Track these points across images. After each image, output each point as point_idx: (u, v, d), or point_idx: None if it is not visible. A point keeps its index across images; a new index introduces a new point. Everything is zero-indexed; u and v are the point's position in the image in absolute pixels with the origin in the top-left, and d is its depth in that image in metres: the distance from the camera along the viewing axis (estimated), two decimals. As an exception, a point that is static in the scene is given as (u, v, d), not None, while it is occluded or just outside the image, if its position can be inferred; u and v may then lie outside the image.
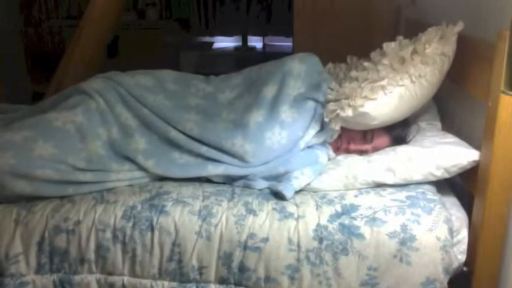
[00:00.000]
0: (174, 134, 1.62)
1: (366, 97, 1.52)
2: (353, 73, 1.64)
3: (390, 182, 1.51)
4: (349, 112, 1.54)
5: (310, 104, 1.66)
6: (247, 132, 1.59)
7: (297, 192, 1.53)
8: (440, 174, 1.48)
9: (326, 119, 1.61)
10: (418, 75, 1.52)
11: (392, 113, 1.56)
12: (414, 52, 1.55)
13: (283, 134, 1.60)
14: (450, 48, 1.55)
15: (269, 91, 1.69)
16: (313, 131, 1.66)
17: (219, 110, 1.72)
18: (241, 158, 1.59)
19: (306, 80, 1.71)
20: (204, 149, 1.59)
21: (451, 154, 1.47)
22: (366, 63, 1.64)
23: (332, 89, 1.65)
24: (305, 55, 1.80)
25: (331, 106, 1.59)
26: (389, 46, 1.63)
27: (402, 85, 1.52)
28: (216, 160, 1.59)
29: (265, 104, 1.66)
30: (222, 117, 1.67)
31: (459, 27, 1.55)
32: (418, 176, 1.49)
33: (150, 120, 1.63)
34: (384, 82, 1.52)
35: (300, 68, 1.73)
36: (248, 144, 1.58)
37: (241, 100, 1.75)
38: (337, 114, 1.56)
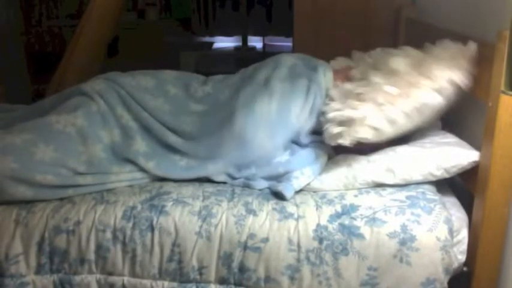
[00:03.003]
0: (173, 139, 1.62)
1: (369, 126, 1.46)
2: (358, 89, 1.55)
3: (390, 182, 1.51)
4: (347, 141, 1.48)
5: (304, 81, 1.63)
6: (238, 105, 1.60)
7: (297, 192, 1.53)
8: (440, 174, 1.48)
9: (326, 139, 1.56)
10: (423, 102, 1.46)
11: (393, 135, 1.53)
12: (421, 75, 1.49)
13: (274, 105, 1.57)
14: (460, 76, 1.47)
15: (262, 74, 1.71)
16: (306, 110, 1.61)
17: (219, 110, 1.72)
18: (238, 134, 1.56)
19: (300, 63, 1.74)
20: (201, 149, 1.59)
21: (451, 154, 1.47)
22: (374, 78, 1.55)
23: (332, 99, 1.60)
24: (300, 54, 1.84)
25: (331, 129, 1.52)
26: (399, 64, 1.55)
27: (406, 112, 1.47)
28: (215, 157, 1.58)
29: (258, 82, 1.68)
30: (222, 115, 1.68)
31: (472, 50, 1.48)
32: (417, 176, 1.49)
33: (149, 123, 1.63)
34: (389, 109, 1.46)
35: (295, 61, 1.76)
36: (239, 115, 1.57)
37: (238, 93, 1.75)
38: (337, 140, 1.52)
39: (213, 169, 1.58)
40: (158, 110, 1.67)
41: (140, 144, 1.61)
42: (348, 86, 1.62)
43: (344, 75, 1.73)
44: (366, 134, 1.47)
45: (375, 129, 1.47)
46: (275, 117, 1.57)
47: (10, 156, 1.45)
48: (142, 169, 1.59)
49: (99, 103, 1.64)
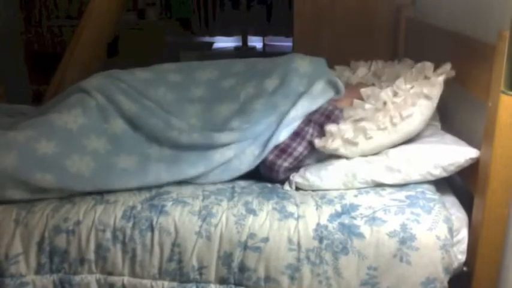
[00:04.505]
0: (178, 124, 1.66)
1: (347, 140, 1.53)
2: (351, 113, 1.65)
3: (389, 182, 1.51)
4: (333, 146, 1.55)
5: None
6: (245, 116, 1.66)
7: (297, 191, 1.54)
8: (438, 173, 1.49)
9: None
10: (400, 115, 1.52)
11: (369, 152, 1.58)
12: (395, 94, 1.57)
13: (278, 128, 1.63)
14: (434, 91, 1.55)
15: (270, 83, 1.74)
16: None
17: (223, 100, 1.75)
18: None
19: (311, 75, 1.75)
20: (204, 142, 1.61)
21: (448, 152, 1.47)
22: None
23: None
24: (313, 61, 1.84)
25: (317, 143, 1.58)
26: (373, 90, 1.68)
27: (384, 128, 1.53)
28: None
29: (265, 92, 1.71)
30: (223, 107, 1.72)
31: (445, 70, 1.57)
32: (416, 176, 1.49)
33: (154, 110, 1.67)
34: (367, 125, 1.53)
35: (307, 69, 1.76)
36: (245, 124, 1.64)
37: (243, 88, 1.77)
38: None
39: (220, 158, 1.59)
40: (161, 100, 1.70)
41: (148, 133, 1.64)
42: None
43: (352, 96, 1.76)
44: (345, 148, 1.54)
45: (353, 144, 1.53)
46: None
47: (13, 151, 1.46)
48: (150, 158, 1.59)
49: (98, 98, 1.66)
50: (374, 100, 1.61)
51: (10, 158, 1.45)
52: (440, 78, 1.56)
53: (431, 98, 1.55)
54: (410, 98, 1.54)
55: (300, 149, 1.59)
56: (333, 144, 1.54)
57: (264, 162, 1.59)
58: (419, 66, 1.65)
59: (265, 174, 1.62)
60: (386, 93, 1.58)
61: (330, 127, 1.58)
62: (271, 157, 1.58)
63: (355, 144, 1.53)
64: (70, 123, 1.58)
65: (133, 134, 1.64)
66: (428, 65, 1.62)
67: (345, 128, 1.56)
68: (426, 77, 1.59)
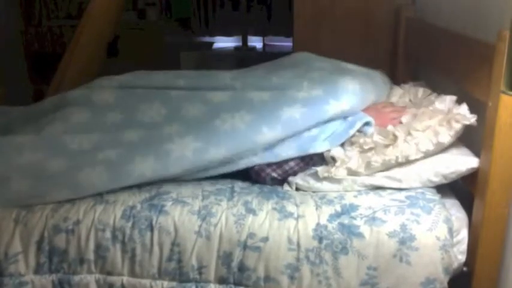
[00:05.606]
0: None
1: (349, 169, 1.50)
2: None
3: (389, 187, 1.51)
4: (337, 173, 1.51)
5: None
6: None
7: (297, 191, 1.54)
8: (438, 180, 1.48)
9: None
10: (406, 157, 1.46)
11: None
12: (408, 134, 1.50)
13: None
14: (449, 138, 1.46)
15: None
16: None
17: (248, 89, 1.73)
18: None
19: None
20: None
21: (449, 162, 1.46)
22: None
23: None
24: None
25: (320, 172, 1.54)
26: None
27: (389, 162, 1.47)
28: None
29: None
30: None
31: (468, 120, 1.47)
32: (416, 184, 1.49)
33: (168, 95, 1.70)
34: (373, 158, 1.48)
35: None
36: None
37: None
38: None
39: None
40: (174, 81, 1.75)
41: (170, 128, 1.61)
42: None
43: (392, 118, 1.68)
44: (345, 175, 1.50)
45: (357, 173, 1.50)
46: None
47: (27, 180, 1.47)
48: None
49: (107, 114, 1.65)
50: (385, 133, 1.55)
51: (24, 184, 1.46)
52: (460, 126, 1.47)
53: (443, 145, 1.48)
54: (423, 143, 1.46)
55: (292, 164, 1.58)
56: (337, 173, 1.49)
57: (253, 166, 1.59)
58: (442, 101, 1.57)
59: (251, 177, 1.61)
60: (400, 132, 1.51)
61: (334, 152, 1.55)
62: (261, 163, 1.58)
63: (357, 173, 1.50)
64: (84, 144, 1.57)
65: (159, 135, 1.60)
66: (453, 107, 1.54)
67: (350, 156, 1.52)
68: (445, 120, 1.49)
